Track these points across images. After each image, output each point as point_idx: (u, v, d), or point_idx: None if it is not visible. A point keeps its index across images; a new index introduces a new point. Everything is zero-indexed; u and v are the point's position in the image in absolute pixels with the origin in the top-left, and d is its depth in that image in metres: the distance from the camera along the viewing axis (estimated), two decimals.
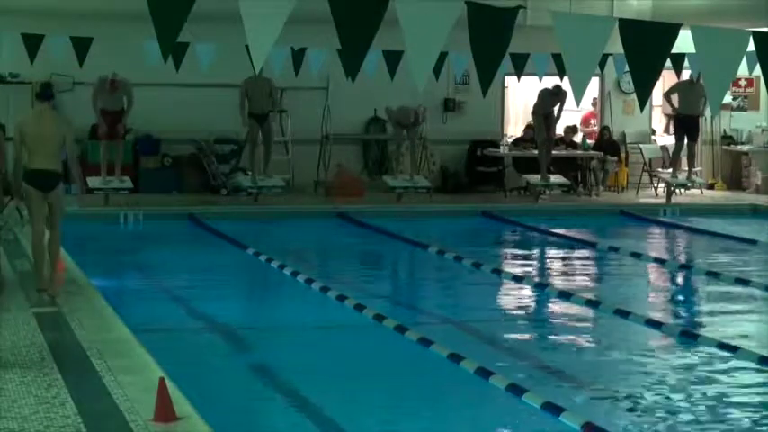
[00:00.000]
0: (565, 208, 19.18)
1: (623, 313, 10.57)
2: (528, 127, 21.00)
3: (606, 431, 6.84)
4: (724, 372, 8.82)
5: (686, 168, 20.30)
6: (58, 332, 8.65)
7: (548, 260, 15.41)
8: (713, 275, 13.00)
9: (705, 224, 17.25)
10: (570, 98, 15.32)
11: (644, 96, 6.79)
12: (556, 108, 19.49)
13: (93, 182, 17.88)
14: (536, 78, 17.05)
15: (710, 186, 21.52)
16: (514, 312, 11.58)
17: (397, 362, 8.90)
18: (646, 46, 6.60)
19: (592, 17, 7.28)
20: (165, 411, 6.41)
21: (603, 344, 9.99)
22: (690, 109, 19.35)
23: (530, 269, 14.28)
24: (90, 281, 11.03)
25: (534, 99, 20.04)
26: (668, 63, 11.55)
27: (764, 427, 7.45)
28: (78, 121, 18.29)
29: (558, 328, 10.83)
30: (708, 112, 19.54)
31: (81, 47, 14.60)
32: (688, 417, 7.65)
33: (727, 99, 21.28)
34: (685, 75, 18.22)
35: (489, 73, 6.56)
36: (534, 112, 19.95)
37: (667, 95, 19.69)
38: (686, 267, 14.08)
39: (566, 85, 16.03)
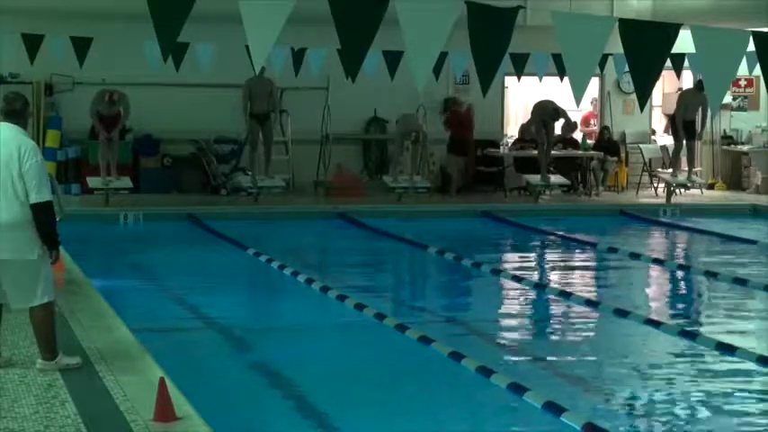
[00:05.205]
0: (565, 208, 19.17)
1: (623, 313, 10.57)
2: (523, 127, 20.91)
3: (606, 431, 6.85)
4: (723, 372, 8.83)
5: (686, 168, 20.30)
6: (58, 332, 8.63)
7: (547, 260, 15.40)
8: (712, 276, 12.99)
9: (705, 224, 17.24)
10: (570, 98, 15.34)
11: (644, 96, 6.80)
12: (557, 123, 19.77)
13: (93, 182, 17.92)
14: (536, 78, 17.04)
15: (710, 186, 21.52)
16: (514, 312, 11.59)
17: (397, 361, 8.89)
18: (646, 46, 6.60)
19: (592, 17, 7.29)
20: (165, 411, 6.41)
21: (603, 343, 9.99)
22: (690, 113, 19.36)
23: (529, 269, 14.27)
24: (90, 281, 11.02)
25: (534, 99, 20.08)
26: (668, 63, 11.58)
27: (763, 428, 7.45)
28: (78, 122, 18.42)
29: (558, 327, 10.83)
30: (708, 119, 19.50)
31: (81, 47, 14.60)
32: (687, 417, 7.66)
33: (728, 99, 21.27)
34: (686, 75, 18.18)
35: (489, 73, 6.56)
36: (533, 114, 19.99)
37: (677, 109, 19.60)
38: (686, 268, 14.06)
39: (565, 84, 16.04)
